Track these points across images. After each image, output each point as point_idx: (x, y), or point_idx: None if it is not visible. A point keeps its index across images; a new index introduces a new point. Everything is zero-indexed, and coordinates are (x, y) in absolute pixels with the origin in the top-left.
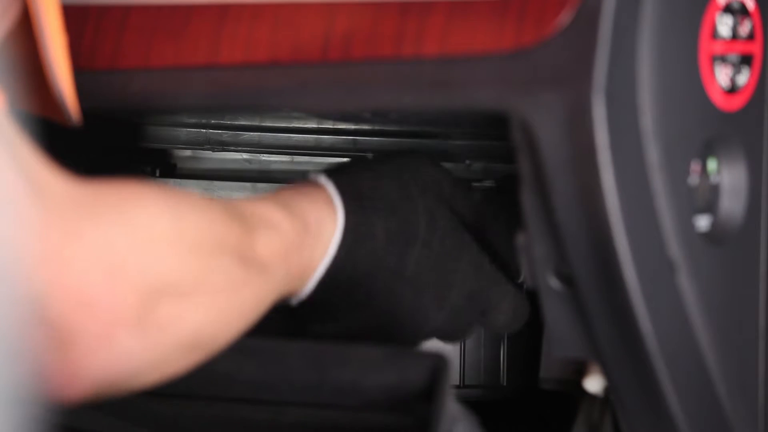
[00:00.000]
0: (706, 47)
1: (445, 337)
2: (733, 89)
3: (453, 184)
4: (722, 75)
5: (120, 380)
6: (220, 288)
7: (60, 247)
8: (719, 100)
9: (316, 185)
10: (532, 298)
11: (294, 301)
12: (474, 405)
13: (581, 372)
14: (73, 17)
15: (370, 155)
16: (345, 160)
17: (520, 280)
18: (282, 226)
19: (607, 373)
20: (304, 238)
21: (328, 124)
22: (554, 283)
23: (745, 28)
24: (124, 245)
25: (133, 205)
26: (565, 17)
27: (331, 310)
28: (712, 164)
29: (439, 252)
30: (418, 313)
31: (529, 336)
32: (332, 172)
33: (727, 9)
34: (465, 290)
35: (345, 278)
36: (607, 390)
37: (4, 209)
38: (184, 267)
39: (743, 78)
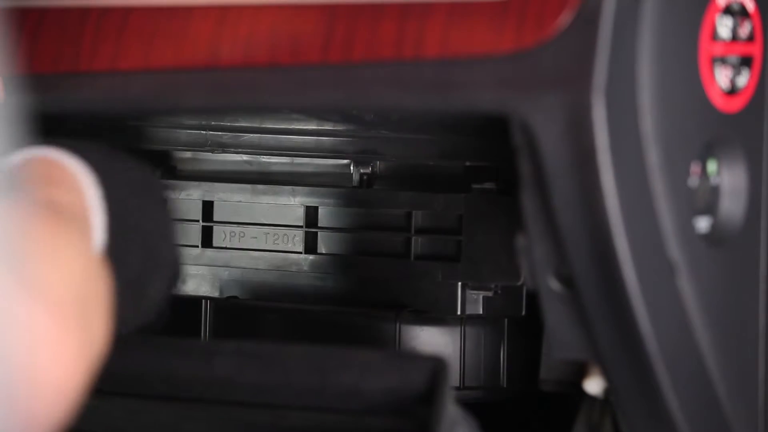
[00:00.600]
0: (706, 49)
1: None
2: (733, 91)
3: None
4: (722, 76)
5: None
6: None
7: None
8: (719, 101)
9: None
10: (533, 299)
11: None
12: (474, 406)
13: (581, 373)
14: (73, 19)
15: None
16: (345, 162)
17: (520, 282)
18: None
19: (607, 375)
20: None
21: (328, 126)
22: (554, 284)
23: (744, 30)
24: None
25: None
26: (565, 19)
27: None
28: (712, 166)
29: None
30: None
31: (529, 337)
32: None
33: (727, 10)
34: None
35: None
36: (607, 391)
37: None
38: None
39: (743, 79)
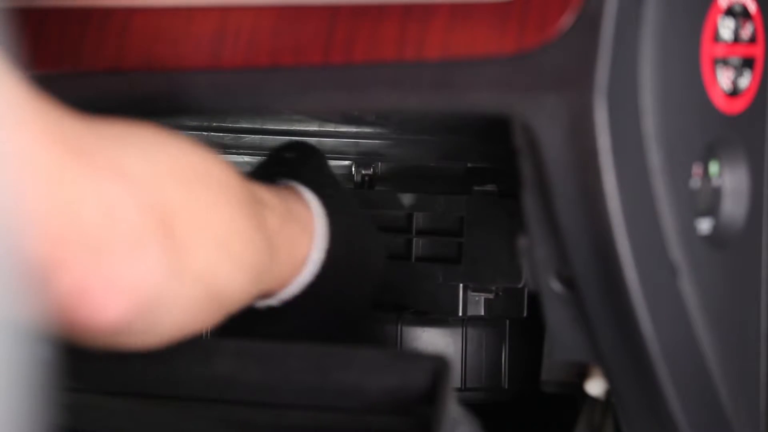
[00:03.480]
0: (707, 50)
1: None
2: (734, 92)
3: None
4: (724, 78)
5: (150, 309)
6: (234, 238)
7: (80, 167)
8: (721, 103)
9: (293, 189)
10: (534, 300)
11: (275, 302)
12: (475, 408)
13: (583, 375)
14: (75, 19)
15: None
16: (346, 163)
17: (521, 284)
18: (277, 207)
19: (609, 376)
20: (294, 228)
21: (330, 127)
22: (556, 285)
23: (746, 31)
24: (141, 171)
25: (148, 139)
26: (566, 20)
27: (308, 314)
28: (713, 167)
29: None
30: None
31: (531, 339)
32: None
33: (729, 12)
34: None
35: (328, 282)
36: (609, 393)
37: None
38: (197, 201)
39: (745, 81)
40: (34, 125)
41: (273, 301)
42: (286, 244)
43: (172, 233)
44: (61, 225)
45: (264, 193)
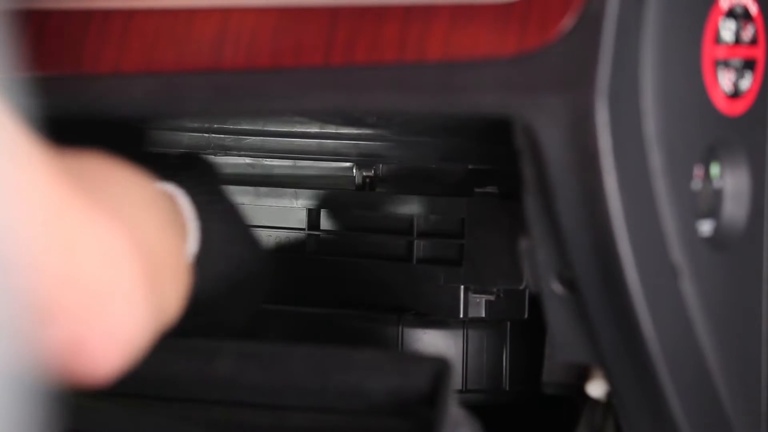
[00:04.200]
0: (709, 52)
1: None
2: (736, 94)
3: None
4: (725, 80)
5: (138, 346)
6: (175, 264)
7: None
8: (722, 104)
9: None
10: (535, 302)
11: None
12: (476, 409)
13: (584, 376)
14: (76, 21)
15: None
16: (347, 165)
17: (522, 286)
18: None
19: (610, 378)
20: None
21: (331, 129)
22: (557, 287)
23: (748, 33)
24: (129, 215)
25: (118, 175)
26: (568, 22)
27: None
28: (714, 169)
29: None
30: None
31: (532, 340)
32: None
33: (730, 14)
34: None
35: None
36: (610, 394)
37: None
38: (164, 238)
39: (746, 83)
40: (38, 164)
41: None
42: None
43: (156, 278)
44: (62, 269)
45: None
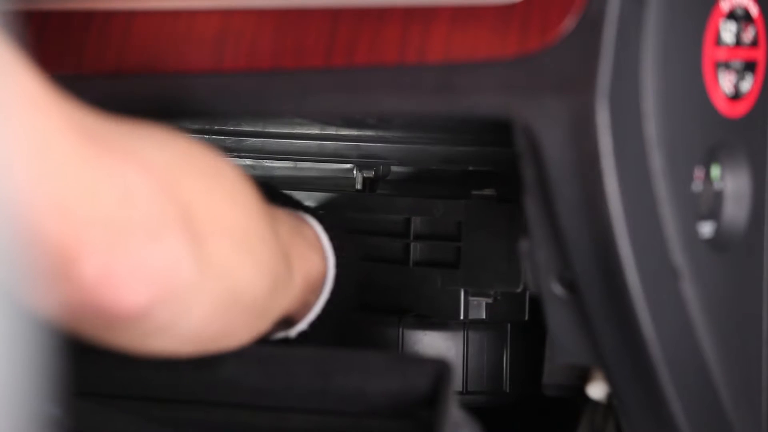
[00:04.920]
0: (709, 54)
1: None
2: (736, 96)
3: None
4: (726, 81)
5: (174, 299)
6: (252, 237)
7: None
8: (723, 106)
9: (302, 218)
10: (535, 304)
11: (293, 333)
12: (477, 411)
13: (584, 378)
14: (77, 23)
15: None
16: (348, 166)
17: (519, 289)
18: (287, 221)
19: (610, 380)
20: (299, 238)
21: (331, 130)
22: (557, 289)
23: (748, 35)
24: (159, 161)
25: (163, 135)
26: (568, 24)
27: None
28: (715, 171)
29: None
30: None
31: (533, 342)
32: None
33: (731, 15)
34: None
35: (336, 308)
36: (610, 396)
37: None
38: (217, 196)
39: (747, 85)
40: (51, 111)
41: (291, 332)
42: (299, 258)
43: (192, 224)
44: (80, 209)
45: (270, 205)
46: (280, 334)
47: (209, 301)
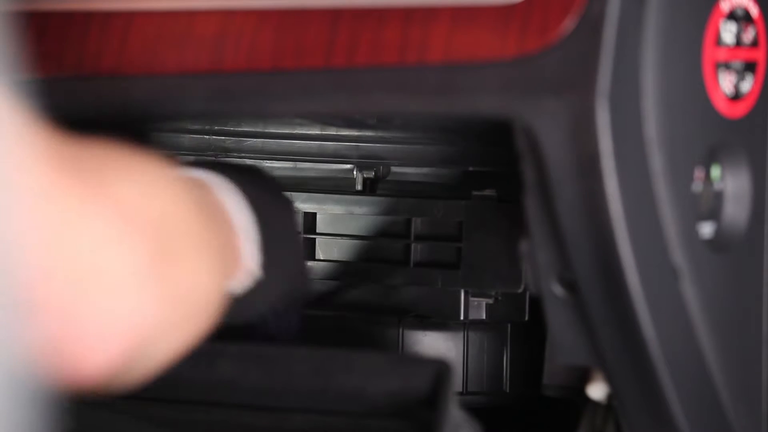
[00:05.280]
0: (709, 54)
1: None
2: (736, 96)
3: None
4: (726, 82)
5: (145, 343)
6: (205, 244)
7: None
8: (723, 107)
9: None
10: (536, 304)
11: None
12: (477, 411)
13: (584, 379)
14: (77, 23)
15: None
16: (348, 167)
17: (520, 289)
18: (209, 186)
19: (610, 380)
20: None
21: (331, 131)
22: (557, 289)
23: (749, 35)
24: (129, 192)
25: (125, 159)
26: (568, 24)
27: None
28: (715, 171)
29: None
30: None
31: (533, 343)
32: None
33: (731, 16)
34: None
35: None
36: (610, 396)
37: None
38: (182, 215)
39: (747, 85)
40: (28, 145)
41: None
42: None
43: (164, 255)
44: (49, 254)
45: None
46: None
47: (177, 327)
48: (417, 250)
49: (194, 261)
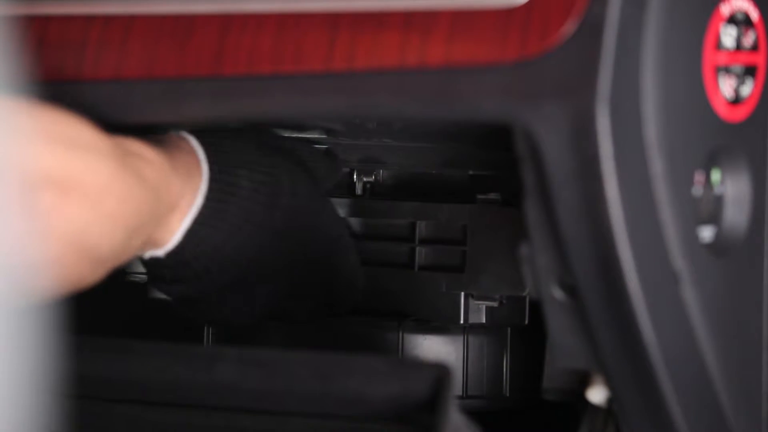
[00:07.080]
0: (710, 58)
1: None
2: (737, 100)
3: (309, 152)
4: (726, 86)
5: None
6: (107, 196)
7: None
8: (723, 111)
9: (180, 137)
10: (536, 308)
11: (161, 252)
12: (477, 415)
13: (584, 383)
14: (77, 26)
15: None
16: (348, 170)
17: (525, 293)
18: (155, 159)
19: (611, 384)
20: (173, 177)
21: (331, 134)
22: (558, 293)
23: (749, 39)
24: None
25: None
26: (569, 28)
27: (197, 265)
28: (715, 175)
29: (306, 205)
30: (286, 266)
31: (532, 346)
32: (193, 131)
33: (731, 20)
34: (325, 244)
35: (212, 230)
36: (610, 400)
37: None
38: (66, 164)
39: (747, 89)
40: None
41: (159, 252)
42: (168, 193)
43: (39, 197)
44: None
45: (140, 147)
46: (149, 254)
47: (57, 258)
48: (422, 253)
49: (86, 208)
